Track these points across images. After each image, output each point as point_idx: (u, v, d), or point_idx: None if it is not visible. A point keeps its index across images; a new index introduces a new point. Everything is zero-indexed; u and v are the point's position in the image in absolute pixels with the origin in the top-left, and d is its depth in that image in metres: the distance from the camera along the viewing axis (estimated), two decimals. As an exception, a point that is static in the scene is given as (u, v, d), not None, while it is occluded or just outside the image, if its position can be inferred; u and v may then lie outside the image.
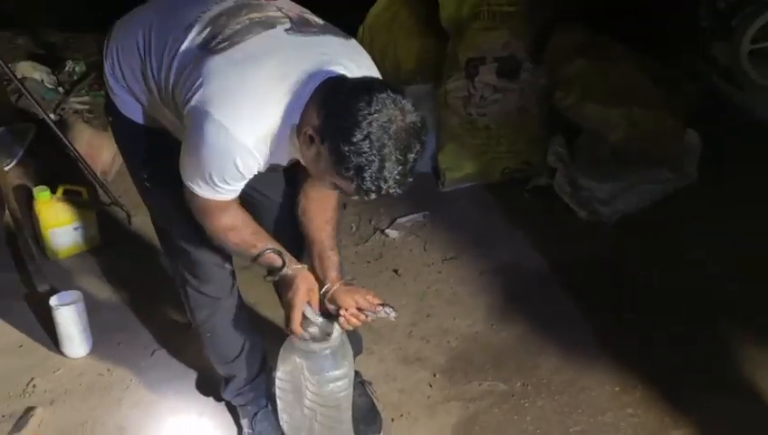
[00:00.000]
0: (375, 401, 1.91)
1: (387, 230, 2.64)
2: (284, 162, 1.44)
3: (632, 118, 2.79)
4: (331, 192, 1.51)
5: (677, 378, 1.98)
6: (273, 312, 2.06)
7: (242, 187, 1.44)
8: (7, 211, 2.59)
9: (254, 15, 1.40)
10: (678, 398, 1.93)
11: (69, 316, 2.09)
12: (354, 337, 1.83)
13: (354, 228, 2.65)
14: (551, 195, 2.75)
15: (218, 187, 1.39)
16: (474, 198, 2.82)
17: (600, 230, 2.59)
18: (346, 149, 1.22)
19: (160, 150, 1.52)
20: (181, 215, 1.50)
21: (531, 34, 2.89)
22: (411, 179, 1.28)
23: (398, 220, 2.68)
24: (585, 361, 2.05)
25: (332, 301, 1.59)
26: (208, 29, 1.39)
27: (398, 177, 1.25)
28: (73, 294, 2.14)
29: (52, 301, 2.11)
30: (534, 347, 2.12)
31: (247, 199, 1.71)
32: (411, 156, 1.26)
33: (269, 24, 1.39)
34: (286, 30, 1.38)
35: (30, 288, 2.37)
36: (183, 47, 1.40)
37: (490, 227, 2.64)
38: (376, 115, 1.21)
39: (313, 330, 1.57)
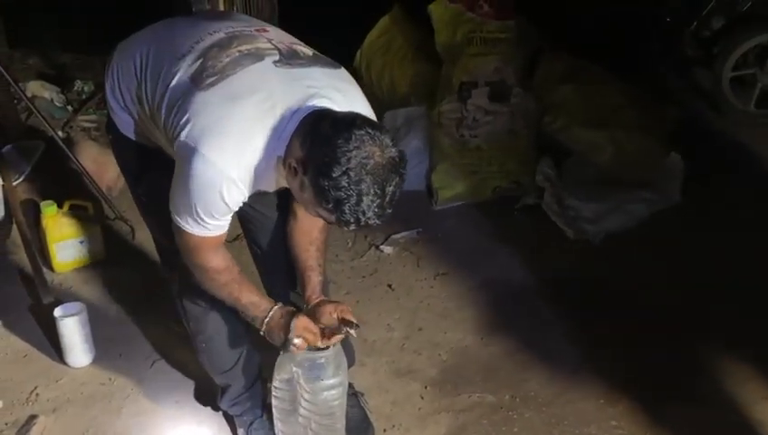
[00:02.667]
0: (367, 411, 1.94)
1: (381, 246, 2.67)
2: (272, 189, 1.48)
3: (617, 141, 2.85)
4: None
5: (660, 391, 2.01)
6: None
7: (228, 222, 1.46)
8: (15, 225, 2.66)
9: (243, 48, 1.43)
10: (661, 411, 1.96)
11: (72, 327, 2.12)
12: (347, 349, 1.84)
13: (350, 244, 2.69)
14: (539, 214, 2.78)
15: (206, 222, 1.42)
16: (465, 215, 2.85)
17: (587, 248, 2.62)
18: (325, 183, 1.26)
19: (156, 168, 1.55)
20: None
21: (520, 61, 2.98)
22: (390, 211, 1.31)
23: (393, 237, 2.72)
24: (571, 374, 2.09)
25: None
26: (200, 61, 1.42)
27: (376, 209, 1.28)
28: (77, 306, 2.17)
29: (57, 312, 2.14)
30: (522, 360, 2.15)
31: (244, 217, 1.76)
32: (390, 189, 1.29)
33: (258, 56, 1.42)
34: (274, 62, 1.41)
35: (35, 300, 2.41)
36: (176, 78, 1.43)
37: (481, 245, 2.68)
38: (354, 152, 1.25)
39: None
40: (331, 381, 1.65)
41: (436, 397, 2.05)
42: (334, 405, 1.68)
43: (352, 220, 1.29)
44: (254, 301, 1.56)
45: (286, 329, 1.55)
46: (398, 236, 2.74)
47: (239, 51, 1.42)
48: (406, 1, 3.36)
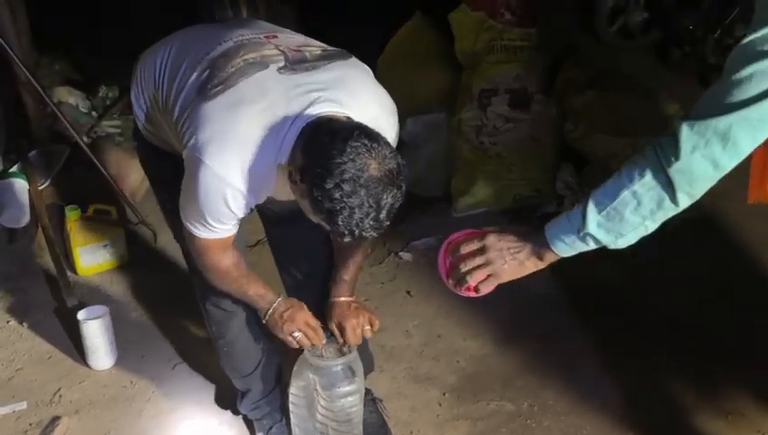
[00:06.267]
0: (386, 417, 1.94)
1: (401, 253, 2.67)
2: (279, 197, 1.48)
3: (638, 149, 2.80)
4: None
5: (680, 402, 2.00)
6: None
7: (237, 225, 1.49)
8: (40, 228, 2.70)
9: (249, 56, 1.44)
10: (680, 422, 1.95)
11: (95, 330, 2.15)
12: (366, 356, 1.86)
13: (369, 250, 2.66)
14: (560, 222, 2.79)
15: (214, 227, 1.45)
16: (485, 223, 2.77)
17: (606, 257, 2.59)
18: (318, 194, 1.26)
19: (179, 174, 1.57)
20: None
21: (541, 68, 2.97)
22: (388, 223, 1.30)
23: (412, 243, 2.71)
24: (590, 383, 2.08)
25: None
26: (207, 71, 1.44)
27: (371, 222, 1.27)
28: (100, 309, 2.19)
29: (80, 315, 2.17)
30: (542, 368, 2.14)
31: (277, 230, 1.78)
32: (386, 202, 1.27)
33: (263, 64, 1.42)
34: (279, 69, 1.41)
35: (59, 302, 2.44)
36: (185, 88, 1.46)
37: (501, 252, 2.69)
38: (349, 164, 1.23)
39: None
40: (348, 388, 1.66)
41: (455, 404, 2.05)
42: (351, 412, 1.69)
43: (346, 232, 1.28)
44: (261, 293, 1.61)
45: (289, 322, 1.58)
46: (417, 242, 2.74)
47: (244, 60, 1.43)
48: (427, 9, 3.37)
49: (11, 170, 2.91)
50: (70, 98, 3.40)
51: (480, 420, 1.99)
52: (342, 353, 1.66)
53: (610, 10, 3.73)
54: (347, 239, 1.30)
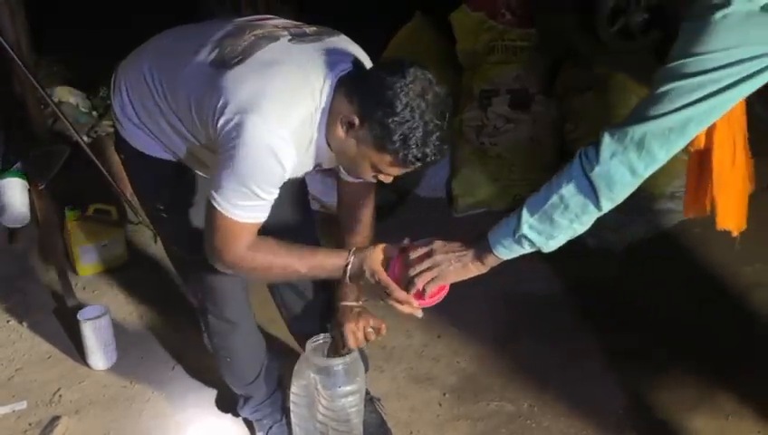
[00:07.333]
0: (384, 417, 1.94)
1: (401, 253, 2.70)
2: (317, 160, 1.46)
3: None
4: (365, 217, 1.65)
5: (680, 402, 2.00)
6: (286, 330, 2.07)
7: (275, 197, 1.40)
8: (40, 228, 2.70)
9: (257, 32, 1.44)
10: (681, 422, 1.95)
11: (95, 330, 2.15)
12: (361, 355, 1.84)
13: None
14: (560, 222, 2.78)
15: (259, 198, 1.36)
16: (485, 223, 2.81)
17: (608, 257, 2.59)
18: (389, 120, 1.29)
19: (175, 180, 1.55)
20: (200, 241, 1.45)
21: (542, 68, 2.97)
22: (446, 147, 1.35)
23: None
24: (591, 383, 2.08)
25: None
26: (216, 50, 1.42)
27: (437, 142, 1.32)
28: (100, 309, 2.20)
29: (80, 315, 2.17)
30: (541, 369, 2.14)
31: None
32: (445, 123, 1.33)
33: (273, 37, 1.44)
34: (289, 40, 1.44)
35: (59, 302, 2.44)
36: (195, 71, 1.42)
37: (501, 252, 2.68)
38: (411, 86, 1.29)
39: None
40: (348, 388, 1.67)
41: (455, 404, 2.05)
42: (351, 411, 1.70)
43: (419, 155, 1.31)
44: (315, 264, 1.47)
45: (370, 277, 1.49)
46: (417, 243, 2.73)
47: (254, 35, 1.44)
48: (427, 9, 3.37)
49: (11, 170, 2.91)
50: (70, 98, 3.40)
51: (480, 421, 1.99)
52: (342, 354, 1.67)
53: (611, 10, 3.74)
54: (417, 165, 1.33)
